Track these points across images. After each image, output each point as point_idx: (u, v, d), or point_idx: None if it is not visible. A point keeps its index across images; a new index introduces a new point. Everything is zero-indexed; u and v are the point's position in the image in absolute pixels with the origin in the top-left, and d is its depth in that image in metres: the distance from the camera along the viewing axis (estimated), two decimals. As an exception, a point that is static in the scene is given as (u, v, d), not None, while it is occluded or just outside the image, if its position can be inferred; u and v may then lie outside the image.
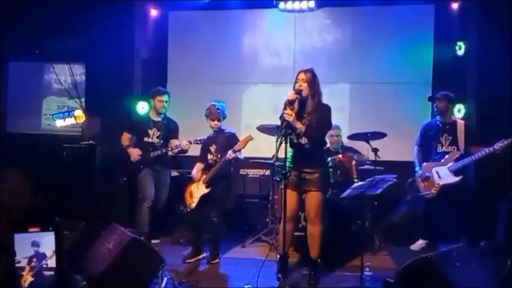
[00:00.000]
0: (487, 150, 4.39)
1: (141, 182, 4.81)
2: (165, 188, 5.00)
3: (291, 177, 3.64)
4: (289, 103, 3.50)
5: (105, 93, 5.64)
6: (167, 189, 5.02)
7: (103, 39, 5.60)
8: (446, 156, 4.66)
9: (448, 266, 2.87)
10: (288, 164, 3.55)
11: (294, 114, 3.47)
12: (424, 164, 4.79)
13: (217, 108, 4.39)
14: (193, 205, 4.42)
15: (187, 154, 4.87)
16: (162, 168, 4.97)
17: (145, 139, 4.90)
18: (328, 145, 5.01)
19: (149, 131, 4.91)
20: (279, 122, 3.60)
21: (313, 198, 3.66)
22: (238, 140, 4.37)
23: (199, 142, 4.58)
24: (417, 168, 4.82)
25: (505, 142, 4.31)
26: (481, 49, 5.25)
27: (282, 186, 3.57)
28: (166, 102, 4.91)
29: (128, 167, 4.85)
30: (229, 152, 4.21)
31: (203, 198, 4.38)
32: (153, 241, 4.77)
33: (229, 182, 4.52)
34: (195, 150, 4.74)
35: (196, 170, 4.53)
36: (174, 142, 4.84)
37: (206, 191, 4.37)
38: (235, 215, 5.44)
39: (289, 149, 3.58)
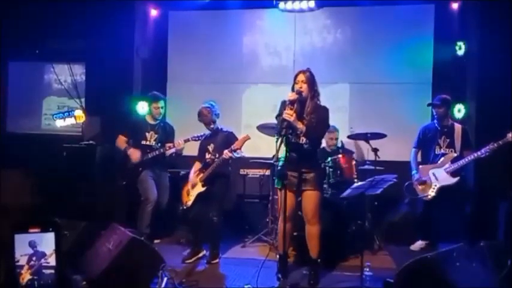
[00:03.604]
0: (479, 153, 4.41)
1: (143, 185, 4.80)
2: (165, 190, 5.00)
3: (288, 177, 3.64)
4: (290, 103, 3.50)
5: (105, 93, 5.64)
6: (167, 191, 5.02)
7: (103, 39, 5.60)
8: (442, 158, 4.68)
9: (448, 266, 2.87)
10: (280, 163, 3.57)
11: (294, 115, 3.47)
12: (421, 166, 4.81)
13: (209, 111, 4.39)
14: (189, 203, 4.43)
15: (184, 153, 4.88)
16: (161, 171, 4.97)
17: (143, 142, 4.90)
18: (323, 145, 5.03)
19: (147, 134, 4.91)
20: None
21: (310, 198, 3.66)
22: (236, 139, 4.38)
23: (196, 139, 4.59)
24: (414, 172, 4.83)
25: (495, 144, 4.33)
26: (481, 49, 5.25)
27: (279, 186, 3.59)
28: (162, 108, 4.92)
29: (127, 171, 4.84)
30: (225, 151, 4.22)
31: (199, 196, 4.39)
32: (153, 241, 4.78)
33: (227, 180, 4.52)
34: (191, 150, 4.75)
35: (194, 170, 4.54)
36: (168, 144, 4.83)
37: (202, 189, 4.38)
38: (235, 215, 5.45)
39: (284, 149, 3.57)
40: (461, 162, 4.56)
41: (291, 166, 3.62)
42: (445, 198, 4.63)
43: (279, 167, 3.67)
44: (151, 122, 4.97)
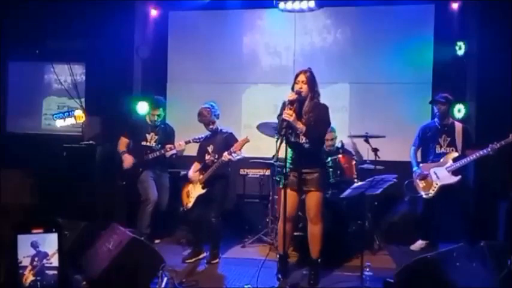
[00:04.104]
0: (481, 153, 4.41)
1: (143, 185, 4.81)
2: (166, 191, 5.01)
3: (290, 177, 3.65)
4: (290, 103, 3.51)
5: (105, 93, 5.64)
6: (168, 191, 5.03)
7: (103, 39, 5.60)
8: (444, 156, 4.67)
9: (448, 266, 2.87)
10: (288, 165, 3.57)
11: (294, 114, 3.47)
12: (422, 165, 4.80)
13: (209, 111, 4.39)
14: (190, 205, 4.44)
15: (184, 154, 4.88)
16: (161, 172, 4.98)
17: (144, 143, 4.91)
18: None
19: (147, 135, 4.92)
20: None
21: (313, 198, 3.67)
22: (236, 140, 4.39)
23: (197, 141, 4.59)
24: (415, 168, 4.82)
25: (498, 144, 4.33)
26: (481, 49, 5.24)
27: (281, 186, 3.59)
28: (158, 116, 4.91)
29: (127, 171, 4.85)
30: (225, 154, 4.22)
31: (200, 198, 4.39)
32: (153, 241, 4.78)
33: (227, 181, 4.51)
34: (192, 151, 4.75)
35: (193, 170, 4.53)
36: (168, 145, 4.83)
37: (202, 191, 4.38)
38: (235, 215, 5.45)
39: (289, 150, 3.58)
40: (464, 161, 4.55)
41: (294, 166, 3.63)
42: (445, 198, 4.63)
43: (284, 168, 3.65)
44: (152, 123, 4.97)
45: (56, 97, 6.44)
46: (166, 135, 5.00)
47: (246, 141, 4.24)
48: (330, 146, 5.08)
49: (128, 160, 4.83)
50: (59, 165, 5.33)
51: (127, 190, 5.06)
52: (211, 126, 4.46)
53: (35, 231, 2.78)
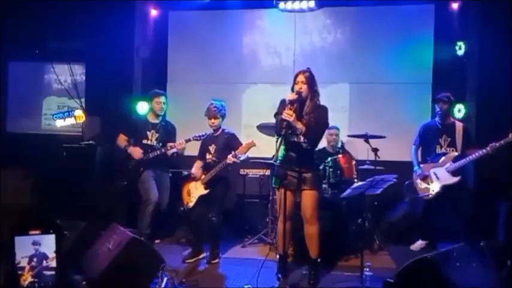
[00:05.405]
0: (481, 152, 4.41)
1: (144, 185, 4.78)
2: (166, 191, 4.99)
3: (288, 177, 3.64)
4: (290, 103, 3.50)
5: (105, 93, 5.64)
6: (168, 191, 5.01)
7: (103, 39, 5.60)
8: (443, 157, 4.67)
9: (448, 266, 2.87)
10: (278, 162, 3.58)
11: (294, 115, 3.47)
12: (422, 165, 4.80)
13: (215, 107, 4.39)
14: (191, 204, 4.43)
15: (185, 153, 4.87)
16: (162, 171, 4.96)
17: (144, 141, 4.88)
18: (325, 145, 5.04)
19: (148, 133, 4.89)
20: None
21: (308, 197, 3.66)
22: (238, 141, 4.38)
23: (198, 138, 4.58)
24: (416, 168, 4.82)
25: (497, 144, 4.33)
26: (481, 49, 5.25)
27: (276, 186, 3.62)
28: (164, 103, 4.90)
29: (128, 171, 4.83)
30: (229, 156, 4.20)
31: (201, 198, 4.38)
32: (154, 241, 4.78)
33: (228, 181, 4.51)
34: (192, 150, 4.74)
35: (196, 168, 4.53)
36: (169, 144, 4.82)
37: (205, 192, 4.38)
38: (235, 215, 5.44)
39: (282, 149, 3.57)
40: (463, 161, 4.55)
41: (289, 166, 3.63)
42: (445, 198, 4.63)
43: (282, 168, 3.66)
44: (153, 120, 4.95)
45: (56, 97, 6.45)
46: (168, 133, 4.98)
47: (252, 145, 4.20)
48: (333, 142, 5.09)
49: (136, 152, 4.76)
50: (59, 165, 5.33)
51: (127, 190, 5.06)
52: (213, 121, 4.44)
53: (32, 232, 2.78)
